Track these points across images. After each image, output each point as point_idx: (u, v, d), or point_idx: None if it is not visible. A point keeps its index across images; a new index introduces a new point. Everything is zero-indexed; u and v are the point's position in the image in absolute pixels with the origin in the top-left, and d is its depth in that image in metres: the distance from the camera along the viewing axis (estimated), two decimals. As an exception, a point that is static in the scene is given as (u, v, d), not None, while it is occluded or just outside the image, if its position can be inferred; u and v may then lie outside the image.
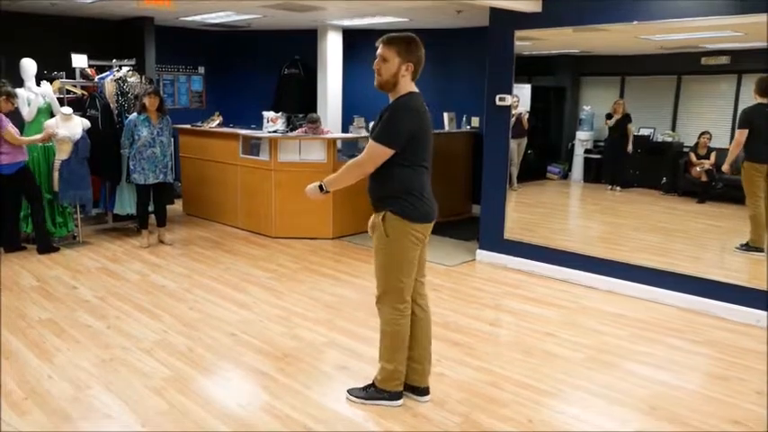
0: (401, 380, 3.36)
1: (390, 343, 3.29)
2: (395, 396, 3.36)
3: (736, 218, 5.31)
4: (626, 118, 6.13)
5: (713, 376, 3.90)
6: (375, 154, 3.09)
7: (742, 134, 5.06)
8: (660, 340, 4.43)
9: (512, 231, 6.22)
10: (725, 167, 5.29)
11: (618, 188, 6.43)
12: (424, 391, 3.43)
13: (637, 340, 4.42)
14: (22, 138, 6.10)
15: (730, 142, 5.28)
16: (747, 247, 5.09)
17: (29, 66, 6.62)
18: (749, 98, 5.10)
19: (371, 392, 3.39)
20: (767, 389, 3.69)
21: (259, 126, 7.60)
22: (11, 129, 5.86)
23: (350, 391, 3.46)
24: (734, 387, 3.73)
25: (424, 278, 3.43)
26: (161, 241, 6.89)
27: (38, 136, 6.21)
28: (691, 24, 4.90)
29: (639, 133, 6.17)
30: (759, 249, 4.97)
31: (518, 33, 5.86)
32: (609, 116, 6.22)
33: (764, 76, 4.93)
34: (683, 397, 3.59)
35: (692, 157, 5.80)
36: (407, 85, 3.13)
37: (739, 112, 5.22)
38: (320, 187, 3.27)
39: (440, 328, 4.44)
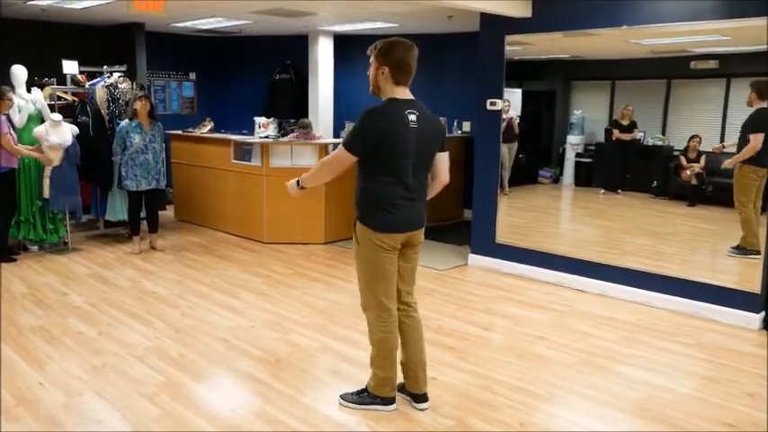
0: (393, 386, 3.36)
1: (378, 350, 3.29)
2: (388, 401, 3.35)
3: (727, 221, 5.34)
4: (633, 124, 6.15)
5: (704, 379, 3.91)
6: (338, 156, 3.13)
7: (757, 139, 4.89)
8: (651, 343, 4.45)
9: (503, 235, 6.23)
10: (729, 163, 5.21)
11: (620, 191, 6.45)
12: (421, 398, 3.41)
13: (628, 343, 4.44)
14: (18, 147, 6.03)
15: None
16: (739, 250, 5.11)
17: (19, 72, 6.59)
18: (738, 102, 5.13)
19: (364, 398, 3.39)
20: (767, 393, 3.71)
21: (251, 131, 7.59)
22: (8, 137, 5.81)
23: (343, 397, 3.45)
24: (725, 389, 3.75)
25: (411, 287, 3.39)
26: (153, 247, 6.87)
27: (33, 149, 6.18)
28: (679, 29, 4.93)
29: (630, 137, 6.22)
30: (751, 252, 4.98)
31: (508, 38, 5.89)
32: (615, 123, 6.22)
33: (763, 80, 4.89)
34: (674, 399, 3.60)
35: (683, 160, 5.83)
36: (390, 91, 3.10)
37: (728, 116, 5.24)
38: (297, 182, 3.32)
39: (432, 332, 4.44)
